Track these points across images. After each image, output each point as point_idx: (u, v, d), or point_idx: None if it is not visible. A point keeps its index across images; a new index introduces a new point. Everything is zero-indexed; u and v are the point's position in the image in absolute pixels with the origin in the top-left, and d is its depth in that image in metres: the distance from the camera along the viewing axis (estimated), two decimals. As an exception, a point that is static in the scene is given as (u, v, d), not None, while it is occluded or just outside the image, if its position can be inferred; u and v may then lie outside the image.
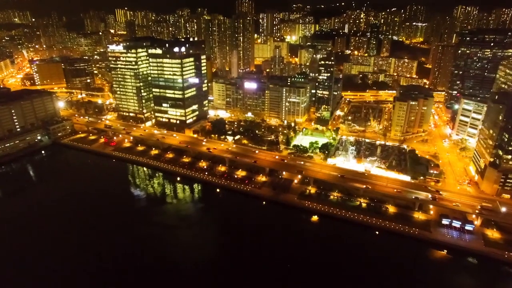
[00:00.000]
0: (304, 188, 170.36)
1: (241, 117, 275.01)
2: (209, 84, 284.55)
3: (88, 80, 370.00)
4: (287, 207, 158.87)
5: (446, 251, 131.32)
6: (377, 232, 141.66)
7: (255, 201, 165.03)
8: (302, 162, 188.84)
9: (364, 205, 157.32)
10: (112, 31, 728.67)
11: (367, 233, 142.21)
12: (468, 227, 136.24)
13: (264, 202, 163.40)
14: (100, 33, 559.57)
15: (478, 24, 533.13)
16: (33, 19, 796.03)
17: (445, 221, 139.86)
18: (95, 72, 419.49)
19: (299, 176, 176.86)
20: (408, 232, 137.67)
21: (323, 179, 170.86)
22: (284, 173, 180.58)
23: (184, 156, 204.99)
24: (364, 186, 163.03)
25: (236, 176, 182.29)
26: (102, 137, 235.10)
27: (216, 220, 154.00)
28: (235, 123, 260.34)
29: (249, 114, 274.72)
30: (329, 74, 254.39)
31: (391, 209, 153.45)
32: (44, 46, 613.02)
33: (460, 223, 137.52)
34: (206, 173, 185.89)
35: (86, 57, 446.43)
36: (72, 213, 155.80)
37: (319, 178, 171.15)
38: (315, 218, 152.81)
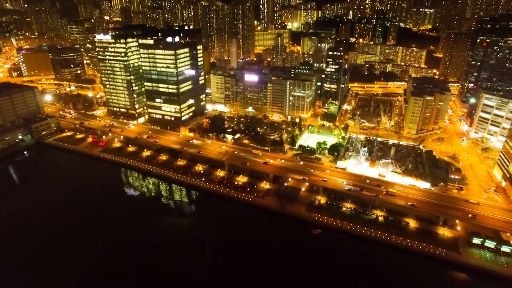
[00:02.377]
0: (313, 197, 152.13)
1: (241, 112, 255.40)
2: (206, 76, 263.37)
3: (79, 71, 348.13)
4: (294, 220, 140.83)
5: (479, 277, 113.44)
6: (397, 252, 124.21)
7: (258, 212, 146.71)
8: (308, 168, 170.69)
9: (381, 218, 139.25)
10: (107, 17, 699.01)
11: (386, 253, 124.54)
12: (505, 249, 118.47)
13: (268, 214, 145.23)
14: (92, 20, 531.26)
15: (487, 9, 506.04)
16: (26, 5, 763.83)
17: (476, 240, 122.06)
18: (87, 62, 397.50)
19: (307, 184, 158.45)
20: (434, 253, 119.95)
21: (334, 188, 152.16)
22: (289, 179, 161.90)
23: (179, 159, 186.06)
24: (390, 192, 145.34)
25: (236, 183, 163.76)
26: (90, 136, 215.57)
27: (214, 236, 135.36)
28: (235, 119, 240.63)
29: (250, 109, 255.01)
30: (337, 66, 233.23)
31: (412, 223, 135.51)
32: (36, 33, 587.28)
33: (494, 243, 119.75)
34: (203, 179, 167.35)
35: (78, 46, 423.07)
36: (47, 226, 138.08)
37: (330, 187, 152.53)
38: (325, 233, 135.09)
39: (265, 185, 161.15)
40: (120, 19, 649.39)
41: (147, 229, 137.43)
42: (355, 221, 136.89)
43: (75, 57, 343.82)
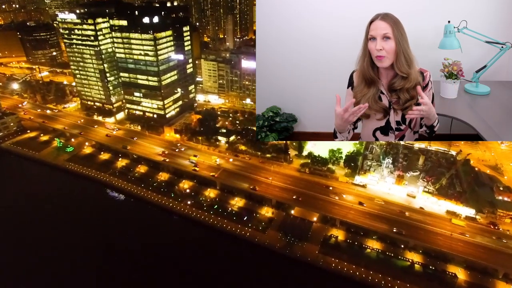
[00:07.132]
0: (328, 231, 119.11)
1: (238, 105, 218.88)
2: (196, 62, 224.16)
3: (54, 53, 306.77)
4: (305, 266, 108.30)
5: None
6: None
7: (257, 253, 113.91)
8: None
9: (417, 266, 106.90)
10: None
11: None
12: None
13: (270, 255, 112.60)
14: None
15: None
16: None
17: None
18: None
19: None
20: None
21: (355, 223, 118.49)
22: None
23: (160, 173, 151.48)
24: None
25: (230, 209, 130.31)
26: (56, 138, 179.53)
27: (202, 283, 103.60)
28: (230, 114, 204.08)
29: (248, 101, 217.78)
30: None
31: (461, 275, 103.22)
32: (16, 6, 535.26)
33: None
34: (189, 202, 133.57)
35: (57, 23, 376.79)
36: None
37: (349, 221, 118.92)
38: (347, 286, 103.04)
39: (267, 213, 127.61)
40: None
41: (112, 271, 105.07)
42: (384, 270, 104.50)
43: (49, 36, 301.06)
